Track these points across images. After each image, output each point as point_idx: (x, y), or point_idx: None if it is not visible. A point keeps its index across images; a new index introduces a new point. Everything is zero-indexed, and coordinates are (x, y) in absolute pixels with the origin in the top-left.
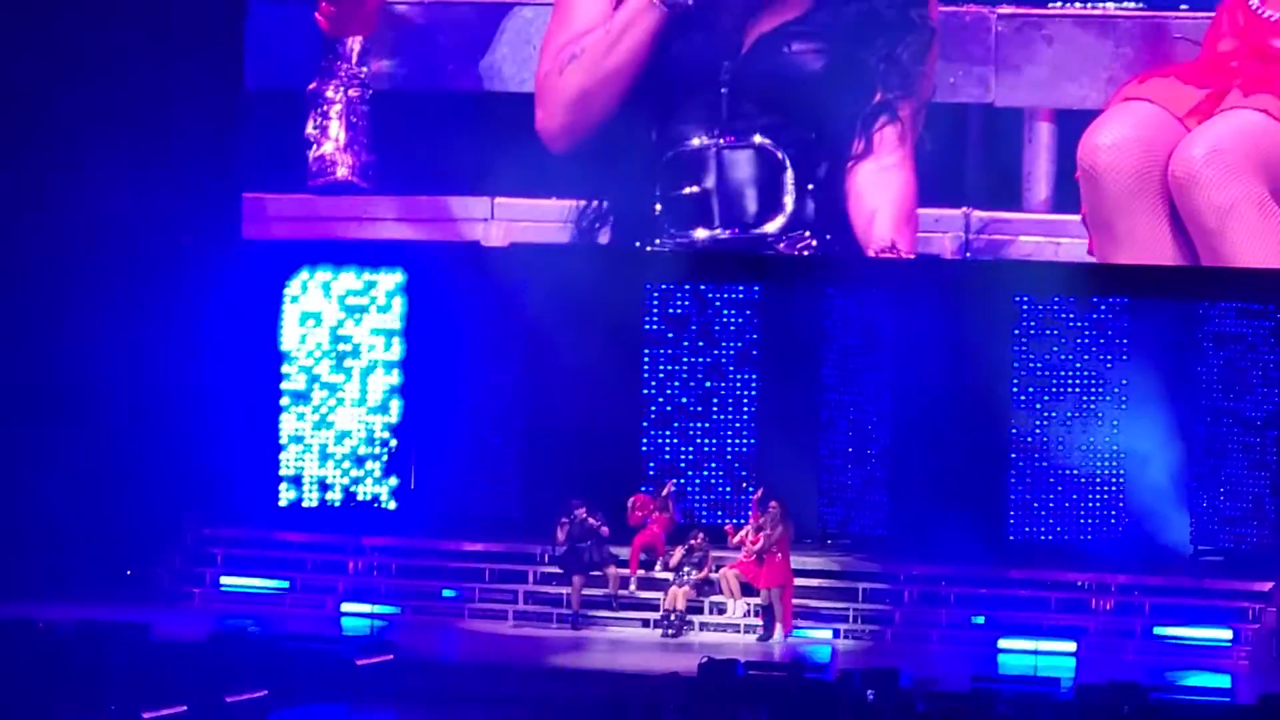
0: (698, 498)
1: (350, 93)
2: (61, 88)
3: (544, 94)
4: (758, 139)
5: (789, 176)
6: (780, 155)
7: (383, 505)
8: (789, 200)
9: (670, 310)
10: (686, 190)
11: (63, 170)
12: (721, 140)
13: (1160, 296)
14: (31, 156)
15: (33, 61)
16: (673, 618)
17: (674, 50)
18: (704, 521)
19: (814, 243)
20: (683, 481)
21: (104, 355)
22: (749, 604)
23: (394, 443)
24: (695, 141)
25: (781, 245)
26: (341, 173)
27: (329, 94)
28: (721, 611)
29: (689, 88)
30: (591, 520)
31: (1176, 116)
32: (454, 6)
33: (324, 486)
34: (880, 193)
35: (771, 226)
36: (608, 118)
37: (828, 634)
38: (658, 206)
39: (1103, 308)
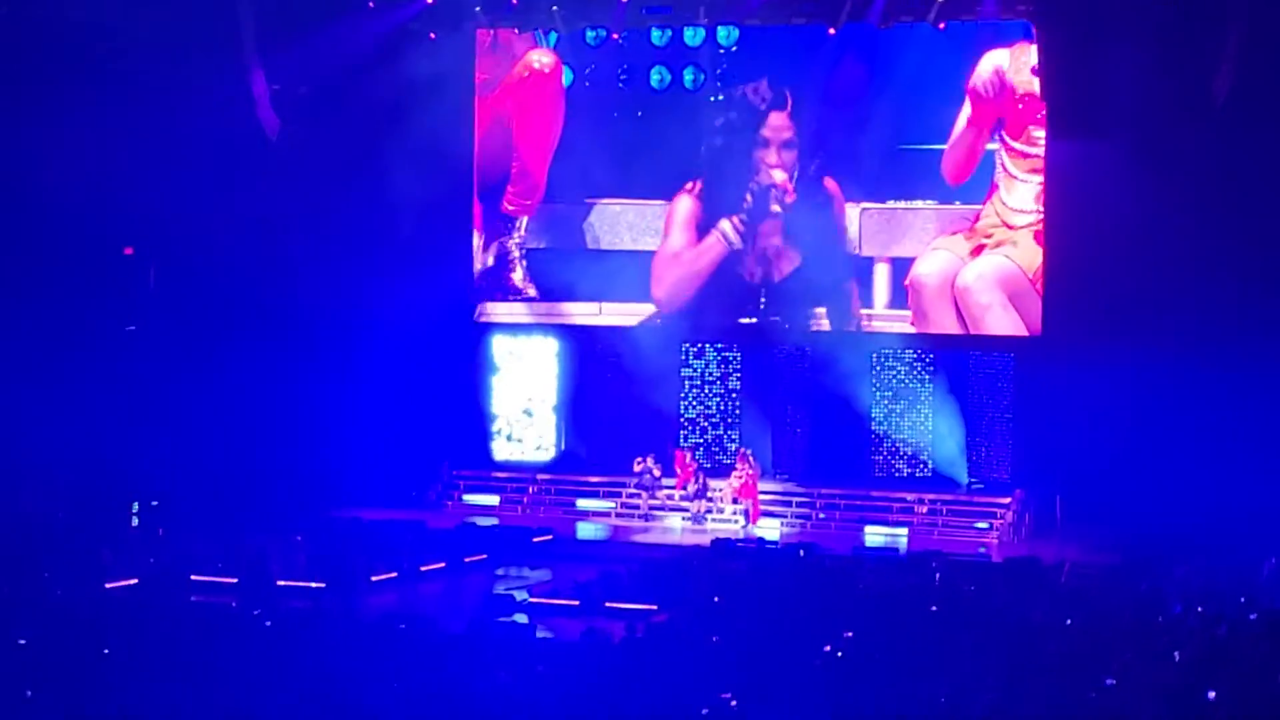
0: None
1: (520, 248)
2: (345, 207)
3: (657, 279)
4: None
5: None
6: None
7: (545, 461)
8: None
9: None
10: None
11: (353, 272)
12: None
13: (950, 350)
14: (328, 255)
15: (321, 177)
16: (697, 515)
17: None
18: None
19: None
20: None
21: (395, 369)
22: (735, 508)
23: (552, 425)
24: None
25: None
26: (525, 288)
27: (511, 247)
28: (720, 512)
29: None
30: (654, 468)
31: (959, 256)
32: (572, 207)
33: (516, 449)
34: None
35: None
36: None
37: (777, 524)
38: None
39: (920, 355)
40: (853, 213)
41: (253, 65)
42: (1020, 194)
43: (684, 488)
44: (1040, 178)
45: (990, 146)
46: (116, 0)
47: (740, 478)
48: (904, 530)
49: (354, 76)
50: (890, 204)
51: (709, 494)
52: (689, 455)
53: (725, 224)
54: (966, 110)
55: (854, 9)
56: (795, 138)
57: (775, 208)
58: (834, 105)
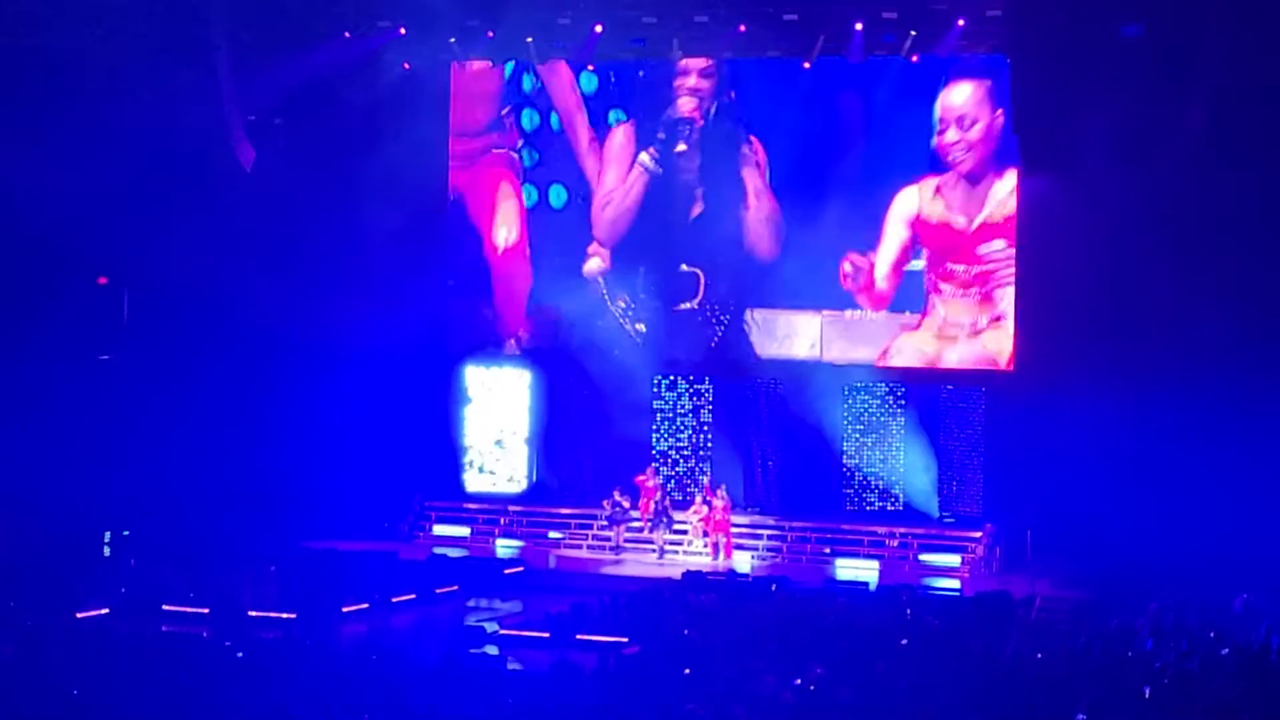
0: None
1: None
2: (320, 237)
3: (595, 220)
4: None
5: None
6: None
7: (517, 490)
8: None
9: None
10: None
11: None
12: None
13: (921, 383)
14: (302, 286)
15: (295, 208)
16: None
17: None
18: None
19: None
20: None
21: (368, 399)
22: (705, 541)
23: (524, 457)
24: None
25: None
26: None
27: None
28: (690, 545)
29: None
30: (622, 501)
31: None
32: None
33: (487, 480)
34: None
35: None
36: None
37: (748, 557)
38: None
39: (891, 389)
40: (812, 321)
41: (228, 95)
42: (958, 307)
43: (648, 510)
44: (979, 287)
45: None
46: (90, 28)
47: (698, 512)
48: (875, 564)
49: (329, 107)
50: (848, 313)
51: (673, 524)
52: (651, 476)
53: (644, 155)
54: (892, 235)
55: (828, 43)
56: (713, 67)
57: (681, 146)
58: (808, 142)
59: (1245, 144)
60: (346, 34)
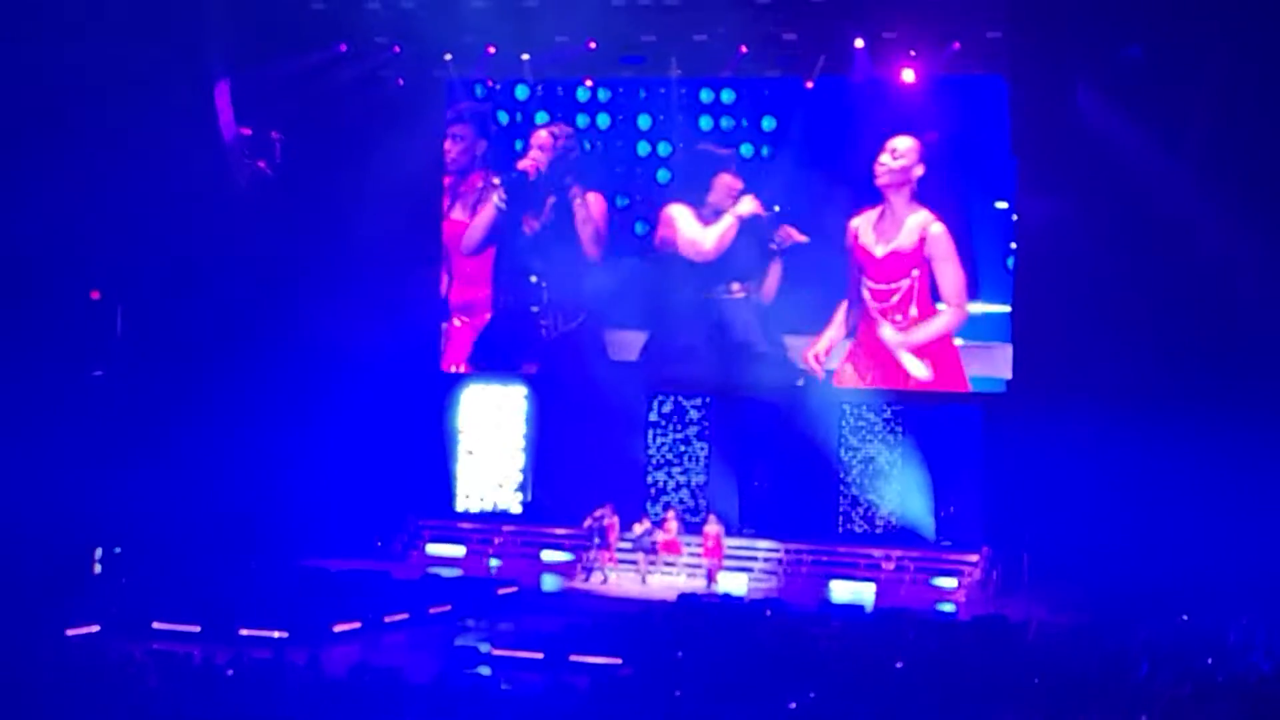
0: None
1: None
2: (314, 253)
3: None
4: None
5: None
6: None
7: (511, 509)
8: None
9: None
10: None
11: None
12: None
13: (918, 404)
14: (296, 302)
15: (289, 223)
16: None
17: None
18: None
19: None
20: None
21: (363, 418)
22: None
23: (518, 475)
24: None
25: None
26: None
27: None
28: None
29: None
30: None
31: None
32: None
33: (480, 499)
34: None
35: None
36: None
37: (744, 578)
38: None
39: (888, 409)
40: None
41: (223, 109)
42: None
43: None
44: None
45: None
46: (83, 42)
47: (667, 532)
48: (871, 586)
49: (324, 122)
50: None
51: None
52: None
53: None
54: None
55: (829, 62)
56: (552, 139)
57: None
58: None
59: (1243, 165)
60: (342, 47)
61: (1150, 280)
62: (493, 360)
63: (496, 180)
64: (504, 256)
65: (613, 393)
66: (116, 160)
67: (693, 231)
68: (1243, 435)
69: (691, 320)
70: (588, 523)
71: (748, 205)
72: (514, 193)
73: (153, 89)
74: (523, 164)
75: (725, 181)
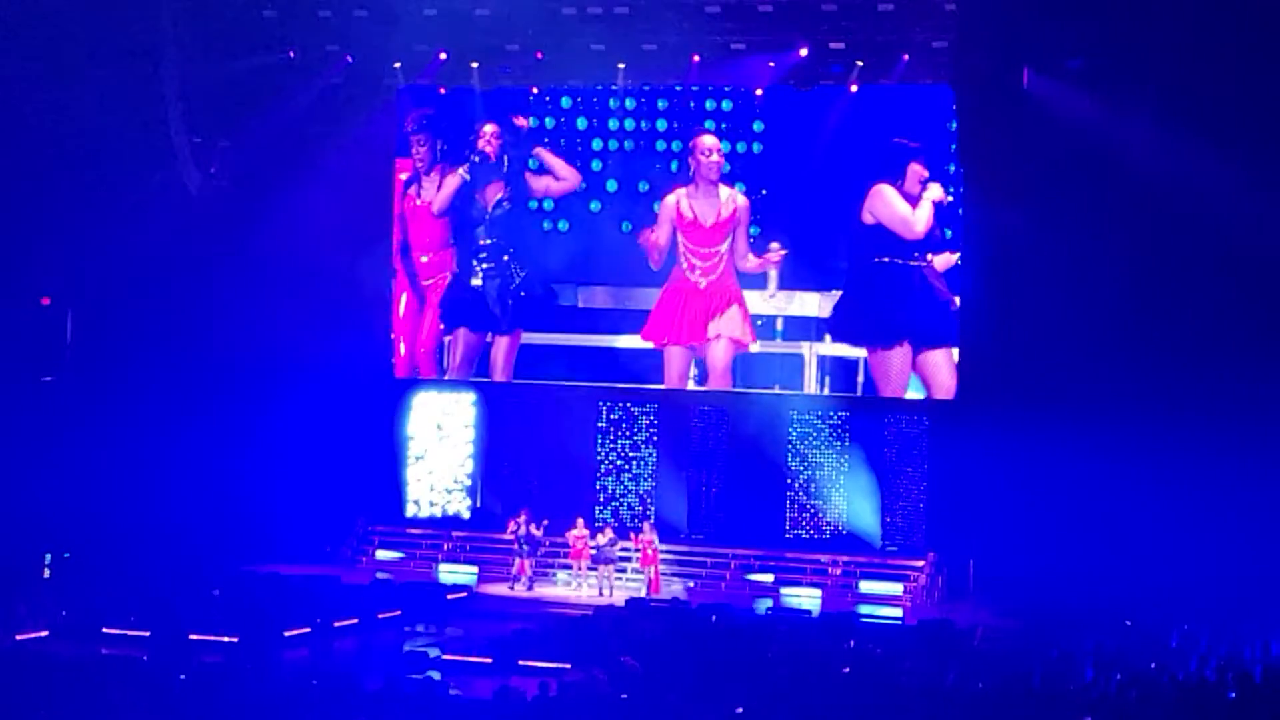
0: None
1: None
2: (264, 261)
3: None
4: None
5: None
6: None
7: (461, 515)
8: None
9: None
10: None
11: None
12: None
13: (865, 412)
14: (247, 309)
15: (240, 231)
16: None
17: None
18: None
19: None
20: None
21: (313, 424)
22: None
23: (467, 484)
24: None
25: None
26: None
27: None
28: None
29: None
30: (534, 528)
31: None
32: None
33: (429, 505)
34: None
35: None
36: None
37: (689, 583)
38: None
39: (835, 417)
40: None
41: (174, 118)
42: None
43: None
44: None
45: None
46: (33, 48)
47: (580, 537)
48: (818, 592)
49: (275, 130)
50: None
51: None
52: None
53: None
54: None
55: (779, 71)
56: (501, 133)
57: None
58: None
59: (1189, 171)
60: (290, 53)
61: (1095, 287)
62: (466, 317)
63: (464, 168)
64: (463, 225)
65: (563, 397)
66: (68, 167)
67: (905, 210)
68: (1185, 441)
69: None
70: (510, 530)
71: (937, 192)
72: (476, 172)
73: (103, 95)
74: (482, 144)
75: (915, 170)
